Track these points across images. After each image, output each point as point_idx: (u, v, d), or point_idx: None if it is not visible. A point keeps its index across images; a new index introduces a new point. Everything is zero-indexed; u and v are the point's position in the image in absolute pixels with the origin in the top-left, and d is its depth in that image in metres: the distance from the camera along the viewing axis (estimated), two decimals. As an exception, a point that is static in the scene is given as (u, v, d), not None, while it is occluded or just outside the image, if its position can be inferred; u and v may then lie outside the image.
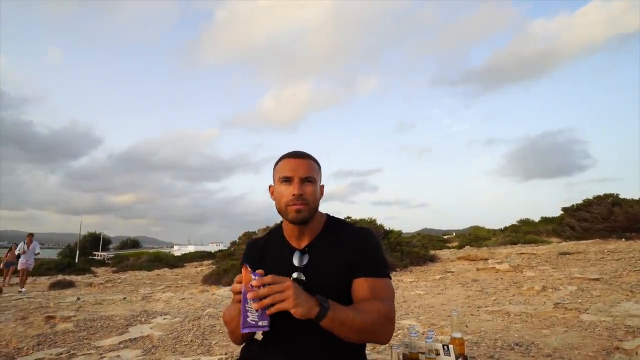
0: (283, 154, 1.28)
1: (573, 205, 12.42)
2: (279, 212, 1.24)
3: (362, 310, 1.08)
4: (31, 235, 10.51)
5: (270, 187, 1.29)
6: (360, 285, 1.17)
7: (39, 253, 10.70)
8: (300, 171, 1.20)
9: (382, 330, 1.11)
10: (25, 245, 10.11)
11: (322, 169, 1.31)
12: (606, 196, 11.60)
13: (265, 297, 1.00)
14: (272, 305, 1.00)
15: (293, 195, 1.18)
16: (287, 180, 1.20)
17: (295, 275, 1.20)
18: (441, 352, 1.45)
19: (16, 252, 10.09)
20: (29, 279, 11.36)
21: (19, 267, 9.88)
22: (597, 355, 2.28)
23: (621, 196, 11.40)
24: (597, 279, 4.81)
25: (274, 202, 1.26)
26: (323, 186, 1.31)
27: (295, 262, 1.23)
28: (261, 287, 1.00)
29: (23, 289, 9.29)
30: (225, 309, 1.25)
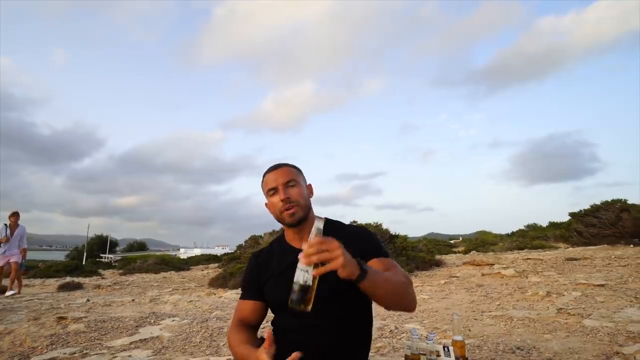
0: (264, 172, 1.44)
1: (581, 211, 12.30)
2: (278, 221, 1.39)
3: (392, 274, 1.22)
4: (16, 215, 7.14)
5: (266, 204, 1.43)
6: (374, 264, 1.29)
7: (26, 247, 7.31)
8: (280, 179, 1.36)
9: (410, 293, 1.24)
10: (8, 230, 6.94)
11: (303, 171, 1.46)
12: (614, 201, 11.49)
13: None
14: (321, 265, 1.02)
15: (282, 200, 1.33)
16: (274, 190, 1.36)
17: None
18: (442, 353, 1.52)
19: None
20: (27, 280, 8.48)
21: None
22: (597, 359, 2.32)
23: (630, 201, 11.29)
24: (602, 285, 4.81)
25: (273, 216, 1.40)
26: (310, 185, 1.45)
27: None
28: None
29: (11, 291, 6.78)
30: (237, 343, 1.33)
